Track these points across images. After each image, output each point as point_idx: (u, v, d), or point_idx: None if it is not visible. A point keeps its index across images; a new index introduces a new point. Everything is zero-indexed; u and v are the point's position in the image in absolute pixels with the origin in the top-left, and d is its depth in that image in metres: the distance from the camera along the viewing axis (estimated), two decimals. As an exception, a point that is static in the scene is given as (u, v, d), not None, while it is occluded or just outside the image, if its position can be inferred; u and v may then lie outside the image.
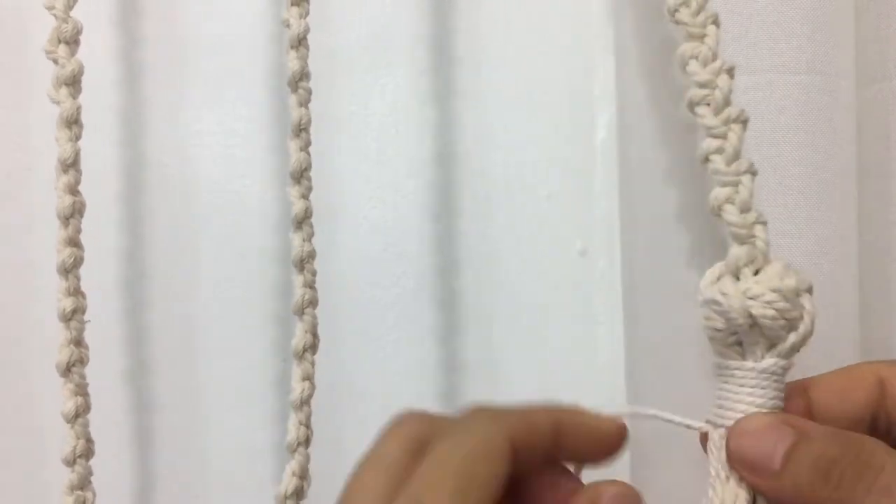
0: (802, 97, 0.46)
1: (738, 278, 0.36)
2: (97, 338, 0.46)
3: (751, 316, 0.35)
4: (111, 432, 0.46)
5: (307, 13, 0.45)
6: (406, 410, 0.37)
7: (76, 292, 0.44)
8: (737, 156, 0.38)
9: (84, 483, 0.44)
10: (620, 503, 0.35)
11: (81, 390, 0.44)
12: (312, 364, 0.45)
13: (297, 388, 0.45)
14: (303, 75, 0.45)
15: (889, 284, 0.50)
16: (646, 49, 0.50)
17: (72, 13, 0.44)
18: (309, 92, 0.45)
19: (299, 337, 0.45)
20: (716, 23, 0.39)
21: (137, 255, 0.58)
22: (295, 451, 0.45)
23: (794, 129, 0.46)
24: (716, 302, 0.35)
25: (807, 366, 0.46)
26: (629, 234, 0.54)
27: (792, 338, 0.36)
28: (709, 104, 0.38)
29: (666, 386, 0.51)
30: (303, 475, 0.45)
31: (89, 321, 0.44)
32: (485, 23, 0.56)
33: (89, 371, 0.46)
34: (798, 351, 0.36)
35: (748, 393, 0.35)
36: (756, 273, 0.36)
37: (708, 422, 0.36)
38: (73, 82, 0.43)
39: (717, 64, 0.38)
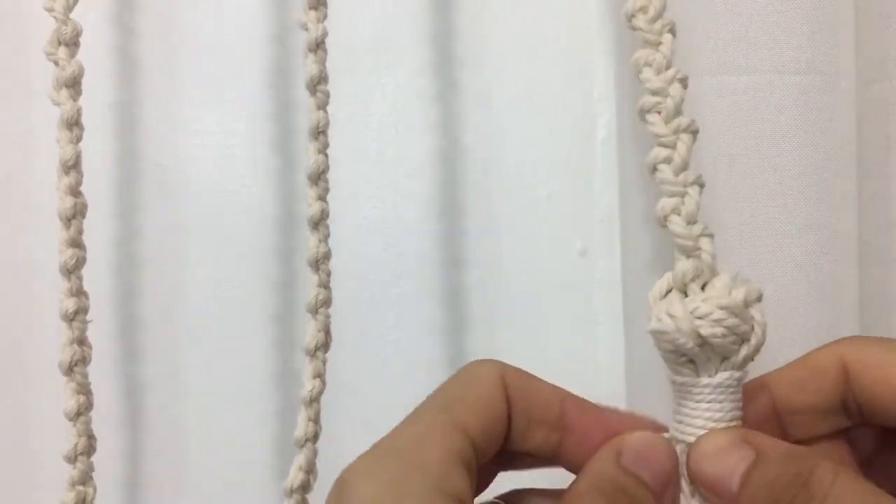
0: (802, 97, 0.46)
1: (685, 294, 0.36)
2: (94, 336, 0.46)
3: (700, 336, 0.34)
4: (103, 426, 0.46)
5: (325, 17, 0.45)
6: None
7: (79, 292, 0.44)
8: (685, 166, 0.37)
9: (85, 479, 0.45)
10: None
11: (83, 388, 0.44)
12: (324, 362, 0.46)
13: (308, 384, 0.45)
14: (321, 79, 0.45)
15: (889, 284, 0.50)
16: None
17: (71, 14, 0.44)
18: (327, 95, 0.45)
19: (312, 335, 0.45)
20: (672, 31, 0.38)
21: (136, 255, 0.58)
22: (303, 446, 0.45)
23: (794, 129, 0.46)
24: (662, 331, 0.35)
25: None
26: (629, 234, 0.54)
27: (744, 350, 0.35)
28: (660, 112, 0.37)
29: (666, 386, 0.51)
30: (309, 470, 0.45)
31: (91, 321, 0.45)
32: (485, 23, 0.56)
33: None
34: (751, 361, 0.36)
35: (705, 409, 0.35)
36: (703, 287, 0.36)
37: (671, 437, 0.36)
38: (74, 84, 0.43)
39: (671, 73, 0.38)
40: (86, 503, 0.45)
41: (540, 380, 0.37)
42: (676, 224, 0.36)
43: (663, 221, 0.37)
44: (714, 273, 0.36)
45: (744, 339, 0.35)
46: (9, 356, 0.59)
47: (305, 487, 0.45)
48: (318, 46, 0.45)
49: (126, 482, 0.58)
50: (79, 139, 0.43)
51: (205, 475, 0.58)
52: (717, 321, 0.34)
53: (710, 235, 0.37)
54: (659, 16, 0.38)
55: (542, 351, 0.57)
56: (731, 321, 0.34)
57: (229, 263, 0.58)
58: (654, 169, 0.37)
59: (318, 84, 0.45)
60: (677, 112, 0.37)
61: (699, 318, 0.34)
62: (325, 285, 0.46)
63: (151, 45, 0.58)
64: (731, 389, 0.35)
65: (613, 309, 0.56)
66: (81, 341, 0.44)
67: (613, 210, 0.55)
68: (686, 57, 0.47)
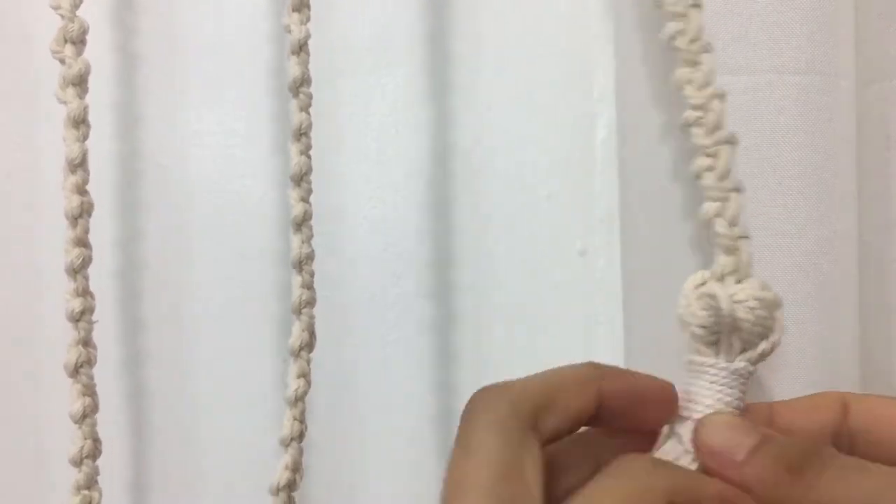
0: (802, 97, 0.46)
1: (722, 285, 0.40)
2: (95, 337, 0.46)
3: (734, 318, 0.39)
4: (108, 430, 0.46)
5: (308, 19, 0.45)
6: (483, 391, 0.38)
7: (85, 293, 0.44)
8: (727, 174, 0.41)
9: (90, 483, 0.44)
10: None
11: (89, 391, 0.44)
12: (308, 362, 0.46)
13: (293, 384, 0.46)
14: (304, 81, 0.45)
15: (889, 285, 0.50)
16: (646, 49, 0.50)
17: (77, 12, 0.44)
18: (309, 97, 0.46)
19: (296, 336, 0.46)
20: (708, 50, 0.42)
21: (136, 255, 0.58)
22: (288, 445, 0.46)
23: (794, 129, 0.46)
24: (711, 296, 0.39)
25: (806, 365, 0.46)
26: (629, 234, 0.54)
27: (763, 345, 0.39)
28: (702, 126, 0.42)
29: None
30: (296, 468, 0.46)
31: (97, 321, 0.45)
32: (485, 23, 0.56)
33: (89, 370, 0.46)
34: (765, 359, 0.40)
35: (718, 390, 0.39)
36: (737, 283, 0.40)
37: (679, 415, 0.39)
38: (80, 82, 0.43)
39: (711, 90, 0.42)
40: (91, 507, 0.45)
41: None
42: (720, 226, 0.41)
43: (708, 224, 0.42)
44: (748, 274, 0.41)
45: (765, 336, 0.39)
46: (14, 357, 0.59)
47: (292, 486, 0.45)
48: (301, 49, 0.45)
49: (131, 486, 0.58)
50: (85, 137, 0.43)
51: (211, 478, 0.58)
52: (752, 308, 0.39)
53: (748, 238, 0.41)
54: (698, 37, 0.42)
55: (541, 351, 0.57)
56: (762, 312, 0.39)
57: (229, 263, 0.57)
58: (699, 177, 0.42)
59: (300, 86, 0.45)
60: (718, 125, 0.42)
61: (737, 301, 0.39)
62: (308, 286, 0.47)
63: (152, 44, 0.57)
64: (742, 379, 0.39)
65: (613, 309, 0.56)
66: (87, 342, 0.44)
67: (613, 210, 0.55)
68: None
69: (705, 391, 0.39)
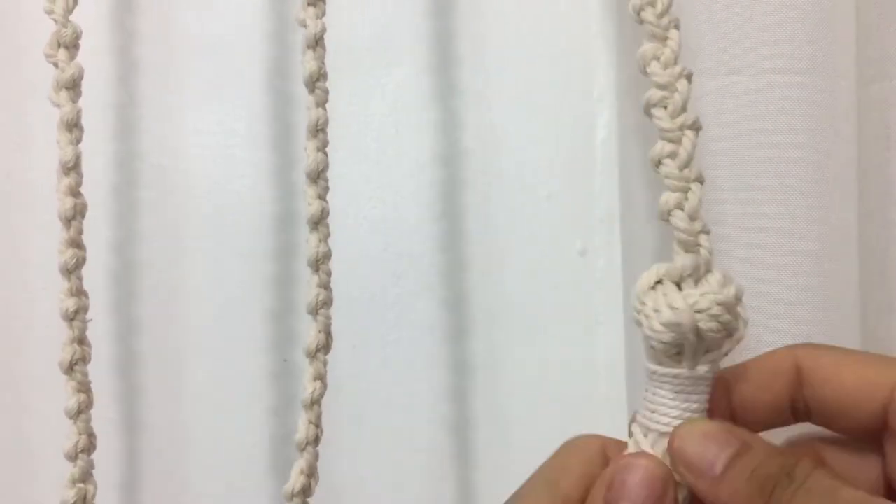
0: (803, 97, 0.46)
1: (679, 287, 0.36)
2: (93, 335, 0.46)
3: (697, 330, 0.35)
4: (102, 427, 0.47)
5: (324, 13, 0.45)
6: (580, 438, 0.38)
7: (78, 292, 0.44)
8: (689, 162, 0.38)
9: (86, 476, 0.45)
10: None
11: (84, 387, 0.44)
12: (325, 364, 0.45)
13: (309, 387, 0.45)
14: (320, 76, 0.44)
15: (889, 284, 0.50)
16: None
17: (71, 17, 0.44)
18: (326, 92, 0.45)
19: (313, 337, 0.45)
20: (677, 27, 0.38)
21: (136, 255, 0.58)
22: (304, 449, 0.44)
23: (794, 130, 0.46)
24: (677, 323, 0.35)
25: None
26: (629, 234, 0.54)
27: (727, 345, 0.36)
28: (666, 107, 0.38)
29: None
30: (311, 473, 0.44)
31: (91, 320, 0.45)
32: (485, 23, 0.56)
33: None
34: (727, 355, 0.37)
35: (683, 399, 0.36)
36: (697, 283, 0.37)
37: (642, 425, 0.37)
38: (73, 86, 0.43)
39: (678, 68, 0.38)
40: (86, 501, 0.45)
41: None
42: (679, 219, 0.37)
43: (666, 216, 0.37)
44: (708, 269, 0.37)
45: (729, 335, 0.36)
46: (9, 356, 0.59)
47: (307, 491, 0.44)
48: (317, 43, 0.45)
49: (126, 482, 0.58)
50: (78, 140, 0.43)
51: (204, 475, 0.58)
52: (715, 316, 0.35)
53: (708, 232, 0.37)
54: (667, 11, 0.38)
55: (541, 351, 0.57)
56: (726, 317, 0.35)
57: (228, 263, 0.58)
58: (659, 163, 0.38)
59: (316, 81, 0.45)
60: (683, 108, 0.38)
61: (698, 311, 0.35)
62: (325, 286, 0.45)
63: (151, 45, 0.58)
64: (706, 381, 0.36)
65: (613, 309, 0.56)
66: (81, 340, 0.44)
67: (613, 210, 0.56)
68: (687, 57, 0.47)
69: (670, 401, 0.36)
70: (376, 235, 0.57)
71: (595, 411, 0.56)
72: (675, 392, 0.36)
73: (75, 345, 0.44)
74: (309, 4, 0.44)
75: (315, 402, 0.45)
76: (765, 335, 0.46)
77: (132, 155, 0.58)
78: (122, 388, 0.58)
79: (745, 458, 0.34)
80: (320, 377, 0.45)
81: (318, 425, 0.45)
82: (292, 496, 0.44)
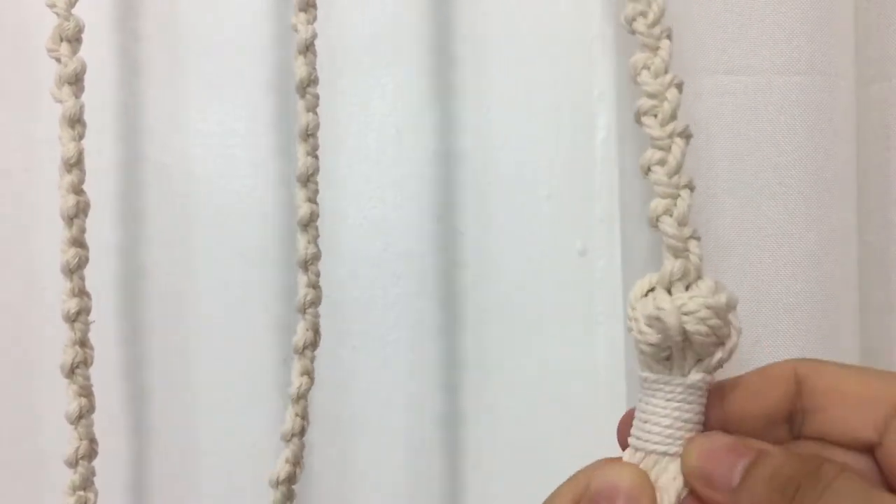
0: (802, 97, 0.46)
1: (670, 292, 0.37)
2: (95, 337, 0.46)
3: (684, 332, 0.35)
4: (109, 430, 0.46)
5: (315, 19, 0.45)
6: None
7: (81, 293, 0.44)
8: (678, 169, 0.38)
9: (87, 483, 0.44)
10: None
11: (85, 391, 0.44)
12: (312, 360, 0.46)
13: (296, 382, 0.46)
14: (310, 81, 0.45)
15: (889, 284, 0.50)
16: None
17: (73, 11, 0.44)
18: (316, 97, 0.45)
19: (300, 334, 0.46)
20: (669, 37, 0.39)
21: (136, 255, 0.58)
22: (290, 440, 0.45)
23: (794, 129, 0.46)
24: (657, 318, 0.35)
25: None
26: (629, 234, 0.54)
27: (719, 354, 0.36)
28: (656, 115, 0.38)
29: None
30: (296, 462, 0.45)
31: (94, 321, 0.44)
32: (485, 23, 0.56)
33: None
34: (722, 366, 0.36)
35: (675, 407, 0.36)
36: (687, 288, 0.37)
37: (634, 437, 0.37)
38: (76, 81, 0.43)
39: (668, 77, 0.38)
40: (87, 508, 0.45)
41: None
42: (668, 225, 0.37)
43: (655, 222, 0.38)
44: (699, 276, 0.37)
45: (721, 342, 0.36)
46: (10, 357, 0.59)
47: (292, 479, 0.45)
48: (308, 49, 0.45)
49: (129, 488, 0.58)
50: (81, 136, 0.43)
51: (211, 478, 0.58)
52: (703, 319, 0.35)
53: (698, 238, 0.38)
54: (658, 21, 0.39)
55: (541, 351, 0.57)
56: (715, 321, 0.35)
57: (229, 263, 0.57)
58: (648, 170, 0.38)
59: (307, 86, 0.45)
60: (673, 116, 0.38)
61: (685, 314, 0.35)
62: (314, 285, 0.46)
63: (153, 45, 0.58)
64: (699, 392, 0.36)
65: (613, 309, 0.56)
66: (83, 343, 0.44)
67: (613, 210, 0.56)
68: (686, 57, 0.47)
69: (662, 410, 0.36)
70: (376, 235, 0.57)
71: (595, 411, 0.56)
72: (667, 400, 0.36)
73: (77, 347, 0.43)
74: (300, 10, 0.44)
75: (301, 397, 0.46)
76: (764, 335, 0.46)
77: (133, 154, 0.58)
78: (125, 390, 0.58)
79: (761, 465, 0.33)
80: (307, 372, 0.46)
81: (304, 417, 0.46)
82: (277, 484, 0.45)
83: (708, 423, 0.37)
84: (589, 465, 0.36)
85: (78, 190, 0.43)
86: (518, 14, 0.56)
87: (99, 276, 0.47)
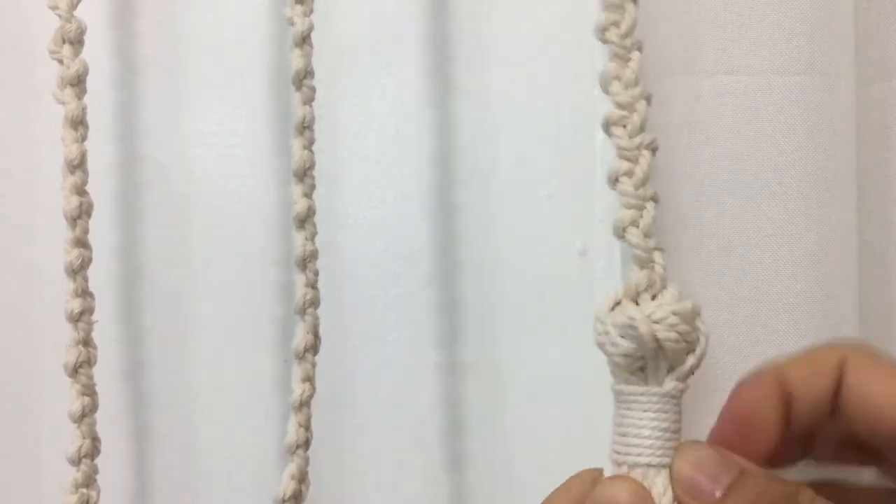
0: (802, 97, 0.46)
1: (636, 303, 0.37)
2: (95, 337, 0.46)
3: (656, 340, 0.35)
4: (110, 432, 0.46)
5: (311, 11, 0.45)
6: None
7: (84, 293, 0.44)
8: (645, 181, 0.38)
9: (89, 481, 0.44)
10: None
11: (88, 390, 0.44)
12: (313, 365, 0.45)
13: (298, 389, 0.45)
14: (307, 73, 0.44)
15: (889, 284, 0.50)
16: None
17: (75, 12, 0.44)
18: (313, 90, 0.45)
19: (300, 337, 0.45)
20: (640, 48, 0.39)
21: (136, 255, 0.58)
22: (294, 453, 0.44)
23: (794, 129, 0.46)
24: (630, 327, 0.35)
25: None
26: (629, 234, 0.54)
27: (690, 360, 0.36)
28: (625, 126, 0.38)
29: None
30: (301, 478, 0.44)
31: (97, 321, 0.44)
32: (485, 23, 0.56)
33: (88, 371, 0.46)
34: (693, 373, 0.37)
35: (653, 417, 0.36)
36: (654, 298, 0.37)
37: (614, 451, 0.37)
38: (78, 82, 0.43)
39: (638, 90, 0.38)
40: (89, 506, 0.45)
41: None
42: (633, 236, 0.37)
43: (622, 233, 0.38)
44: (664, 286, 0.37)
45: (690, 349, 0.36)
46: (13, 357, 0.59)
47: (298, 497, 0.44)
48: (304, 41, 0.44)
49: (129, 488, 0.58)
50: (84, 138, 0.43)
51: (212, 481, 0.58)
52: (672, 325, 0.35)
53: (662, 250, 0.38)
54: (630, 32, 0.39)
55: (541, 351, 0.57)
56: (683, 327, 0.36)
57: (229, 264, 0.57)
58: (616, 181, 0.38)
59: (303, 79, 0.45)
60: (641, 128, 0.38)
61: (655, 322, 0.35)
62: (312, 285, 0.46)
63: (152, 45, 0.57)
64: (675, 400, 0.36)
65: (613, 309, 0.56)
66: (87, 342, 0.44)
67: (613, 210, 0.55)
68: (686, 57, 0.47)
69: (639, 421, 0.36)
70: (376, 235, 0.57)
71: (595, 412, 0.56)
72: (644, 411, 0.36)
73: (80, 346, 0.43)
74: (297, 2, 0.44)
75: (304, 405, 0.45)
76: (763, 335, 0.46)
77: (132, 154, 0.58)
78: (125, 391, 0.58)
79: (747, 482, 0.34)
80: (308, 379, 0.45)
81: (308, 428, 0.45)
82: (283, 502, 0.44)
83: (760, 410, 0.37)
84: (578, 475, 0.36)
85: (81, 191, 0.43)
86: (518, 14, 0.56)
87: (98, 276, 0.47)
